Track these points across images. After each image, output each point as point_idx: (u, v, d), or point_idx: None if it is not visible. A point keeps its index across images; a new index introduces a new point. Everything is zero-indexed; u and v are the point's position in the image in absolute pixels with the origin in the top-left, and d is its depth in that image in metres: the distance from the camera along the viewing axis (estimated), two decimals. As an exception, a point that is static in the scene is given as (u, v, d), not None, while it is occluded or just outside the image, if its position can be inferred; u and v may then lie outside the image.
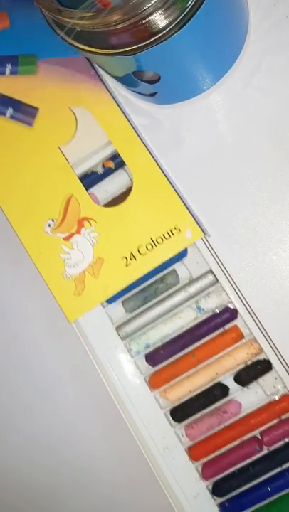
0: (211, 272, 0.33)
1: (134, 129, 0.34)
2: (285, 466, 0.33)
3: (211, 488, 0.33)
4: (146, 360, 0.34)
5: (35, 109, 0.35)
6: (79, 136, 0.35)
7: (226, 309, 0.33)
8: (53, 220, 0.35)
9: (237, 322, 0.33)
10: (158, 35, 0.26)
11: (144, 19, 0.25)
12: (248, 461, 0.33)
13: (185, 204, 0.34)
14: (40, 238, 0.35)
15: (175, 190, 0.34)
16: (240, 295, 0.33)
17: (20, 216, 0.35)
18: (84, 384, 0.38)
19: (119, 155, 0.34)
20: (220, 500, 0.33)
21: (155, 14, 0.25)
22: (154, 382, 0.34)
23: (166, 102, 0.36)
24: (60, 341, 0.39)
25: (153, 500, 0.35)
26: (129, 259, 0.34)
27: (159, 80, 0.31)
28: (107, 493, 0.37)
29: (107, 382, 0.34)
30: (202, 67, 0.33)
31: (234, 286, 0.33)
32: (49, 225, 0.35)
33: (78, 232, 0.35)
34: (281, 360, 0.32)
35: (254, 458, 0.33)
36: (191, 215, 0.33)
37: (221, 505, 0.33)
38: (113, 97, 0.35)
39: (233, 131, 0.35)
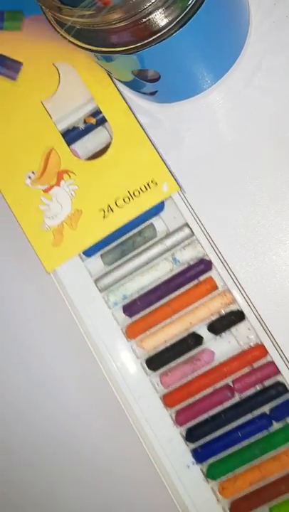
0: (186, 225, 0.34)
1: (115, 86, 0.35)
2: (255, 413, 0.34)
3: (184, 434, 0.35)
4: (124, 311, 0.35)
5: (19, 64, 0.36)
6: (61, 92, 0.36)
7: (201, 261, 0.34)
8: (33, 173, 0.36)
9: (211, 274, 0.34)
10: (158, 34, 0.26)
11: (145, 18, 0.25)
12: (220, 408, 0.34)
13: (162, 159, 0.34)
14: (21, 190, 0.36)
15: (153, 145, 0.34)
16: (214, 248, 0.34)
17: (2, 168, 0.36)
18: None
19: (100, 111, 0.35)
20: (193, 445, 0.34)
21: (155, 13, 0.25)
22: (131, 332, 0.35)
23: (166, 100, 0.36)
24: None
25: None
26: (106, 211, 0.34)
27: (159, 79, 0.31)
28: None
29: (85, 333, 0.35)
30: (202, 66, 0.33)
31: (209, 239, 0.34)
32: (29, 177, 0.36)
33: (58, 184, 0.35)
34: (254, 310, 0.33)
35: (226, 405, 0.34)
36: (168, 169, 0.34)
37: (193, 451, 0.34)
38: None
39: (233, 130, 0.35)
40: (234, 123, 0.35)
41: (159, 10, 0.25)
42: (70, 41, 0.28)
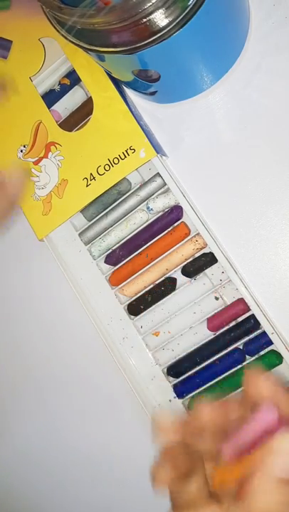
0: (158, 175, 0.36)
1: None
2: (229, 349, 0.36)
3: (165, 371, 0.37)
4: (106, 261, 0.38)
5: (10, 42, 0.38)
6: (46, 65, 0.38)
7: (173, 208, 0.37)
8: (24, 146, 0.38)
9: (184, 220, 0.37)
10: (159, 34, 0.26)
11: (145, 18, 0.25)
12: (198, 345, 0.36)
13: (141, 125, 0.36)
14: (14, 163, 0.38)
15: (131, 111, 0.36)
16: (185, 195, 0.36)
17: None
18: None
19: (74, 71, 0.37)
20: (174, 381, 0.37)
21: (156, 13, 0.25)
22: (114, 280, 0.38)
23: (166, 100, 0.37)
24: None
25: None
26: (89, 179, 0.36)
27: (159, 79, 0.32)
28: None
29: (74, 285, 0.38)
30: (202, 66, 0.33)
31: (180, 187, 0.36)
32: (21, 151, 0.38)
33: (46, 156, 0.38)
34: (223, 251, 0.35)
35: (202, 342, 0.36)
36: (146, 135, 0.35)
37: (174, 386, 0.37)
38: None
39: (233, 130, 0.36)
40: (233, 123, 0.36)
41: (160, 10, 0.25)
42: (70, 41, 0.28)
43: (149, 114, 0.38)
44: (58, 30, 0.28)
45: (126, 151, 0.36)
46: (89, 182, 0.37)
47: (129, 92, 0.38)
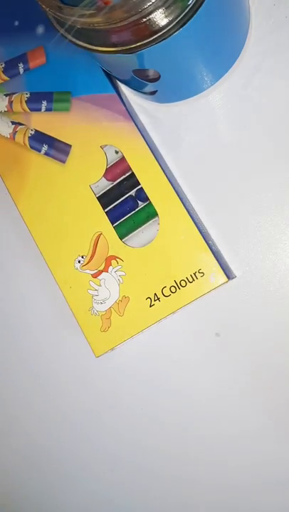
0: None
1: (161, 168, 0.35)
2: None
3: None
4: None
5: (69, 146, 0.36)
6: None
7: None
8: (82, 257, 0.36)
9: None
10: (158, 34, 0.26)
11: (145, 17, 0.25)
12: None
13: (210, 247, 0.34)
14: (71, 273, 0.36)
15: (201, 232, 0.34)
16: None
17: (53, 251, 0.36)
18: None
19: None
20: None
21: (156, 12, 0.25)
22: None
23: (166, 100, 0.37)
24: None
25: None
26: (153, 299, 0.35)
27: (159, 79, 0.32)
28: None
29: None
30: (202, 66, 0.33)
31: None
32: (79, 262, 0.36)
33: (106, 270, 0.36)
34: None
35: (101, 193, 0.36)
36: (216, 258, 0.34)
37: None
38: (142, 134, 0.35)
39: (233, 130, 0.36)
40: (233, 123, 0.36)
41: (160, 10, 0.25)
42: (70, 40, 0.28)
43: (149, 114, 0.38)
44: (57, 30, 0.29)
45: (194, 274, 0.34)
46: (153, 302, 0.35)
47: (130, 93, 0.38)
